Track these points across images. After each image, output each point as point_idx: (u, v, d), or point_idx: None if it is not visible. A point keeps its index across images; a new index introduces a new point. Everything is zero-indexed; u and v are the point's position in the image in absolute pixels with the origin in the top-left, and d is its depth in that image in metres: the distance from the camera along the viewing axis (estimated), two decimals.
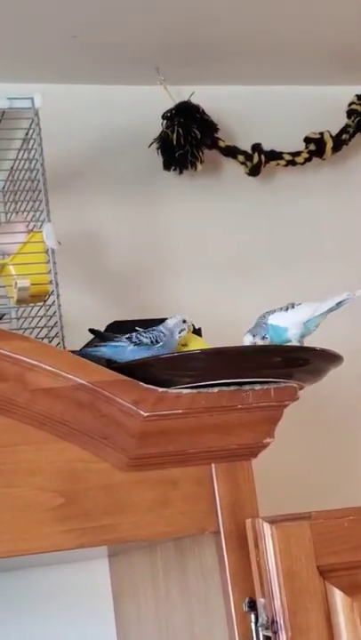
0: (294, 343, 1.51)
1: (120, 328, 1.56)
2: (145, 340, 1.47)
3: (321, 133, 2.09)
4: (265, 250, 2.09)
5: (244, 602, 1.37)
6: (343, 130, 2.11)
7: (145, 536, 1.42)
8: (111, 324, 1.63)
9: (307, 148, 2.09)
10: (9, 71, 1.91)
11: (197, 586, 1.49)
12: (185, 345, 1.54)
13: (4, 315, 1.65)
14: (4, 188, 1.79)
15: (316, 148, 2.09)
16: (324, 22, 1.94)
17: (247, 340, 1.51)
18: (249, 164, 2.05)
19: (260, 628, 1.35)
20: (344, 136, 2.11)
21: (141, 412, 1.38)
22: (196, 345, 1.54)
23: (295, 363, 1.46)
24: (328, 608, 1.38)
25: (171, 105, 2.00)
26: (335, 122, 2.12)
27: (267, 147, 2.06)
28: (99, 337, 1.52)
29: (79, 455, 1.40)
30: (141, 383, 1.39)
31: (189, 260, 2.03)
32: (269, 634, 1.35)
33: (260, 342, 1.50)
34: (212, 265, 2.05)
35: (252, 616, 1.36)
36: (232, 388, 1.42)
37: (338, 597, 1.39)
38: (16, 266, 1.59)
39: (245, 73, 2.09)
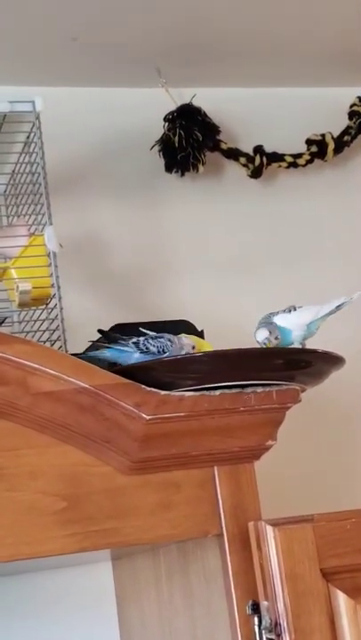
0: (297, 345, 1.51)
1: (123, 331, 1.55)
2: (152, 349, 1.47)
3: (323, 135, 2.09)
4: (267, 252, 2.09)
5: (248, 604, 1.37)
6: (345, 131, 2.11)
7: (148, 539, 1.41)
8: (113, 326, 1.63)
9: (308, 149, 2.09)
10: (10, 74, 1.92)
11: (200, 589, 1.49)
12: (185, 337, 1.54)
13: (5, 318, 1.65)
14: (5, 191, 1.79)
15: (318, 149, 2.09)
16: (326, 23, 1.94)
17: (261, 335, 1.49)
18: (251, 166, 2.05)
19: (263, 631, 1.35)
20: (346, 138, 2.11)
21: (144, 415, 1.38)
22: (199, 347, 1.53)
23: (297, 365, 1.45)
24: (331, 611, 1.38)
25: (172, 107, 2.00)
26: (337, 123, 2.11)
27: (268, 149, 2.06)
28: (106, 338, 1.52)
29: (81, 459, 1.40)
30: (143, 386, 1.39)
31: (191, 262, 2.03)
32: (273, 636, 1.35)
33: (274, 341, 1.50)
34: (215, 267, 2.05)
35: (256, 619, 1.36)
36: (234, 390, 1.42)
37: (341, 600, 1.38)
38: (18, 269, 1.59)
39: (247, 75, 2.09)
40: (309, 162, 2.09)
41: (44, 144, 1.65)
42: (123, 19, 1.81)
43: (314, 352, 1.46)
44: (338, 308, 1.52)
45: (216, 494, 1.43)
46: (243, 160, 2.05)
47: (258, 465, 1.47)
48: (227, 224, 2.08)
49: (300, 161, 2.08)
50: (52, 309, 1.62)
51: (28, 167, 1.68)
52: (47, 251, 1.60)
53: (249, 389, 1.42)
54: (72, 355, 1.48)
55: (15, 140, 1.69)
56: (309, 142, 2.09)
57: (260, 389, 1.43)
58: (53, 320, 1.62)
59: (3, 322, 1.64)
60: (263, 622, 1.35)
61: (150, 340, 1.48)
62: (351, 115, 2.13)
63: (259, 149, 2.05)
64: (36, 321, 1.67)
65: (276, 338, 1.50)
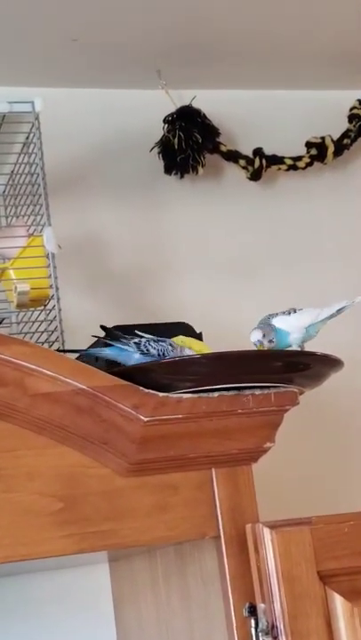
0: (295, 348, 1.51)
1: (122, 333, 1.55)
2: (152, 351, 1.47)
3: (322, 138, 2.09)
4: (266, 254, 2.09)
5: (245, 607, 1.37)
6: (345, 134, 2.11)
7: (145, 541, 1.41)
8: (112, 328, 1.62)
9: (308, 152, 2.09)
10: (9, 75, 1.92)
11: (198, 591, 1.48)
12: (188, 348, 1.54)
13: (3, 319, 1.64)
14: (4, 192, 1.79)
15: (318, 152, 2.09)
16: (326, 26, 1.94)
17: (255, 336, 1.50)
18: (250, 168, 2.05)
19: (260, 634, 1.35)
20: (345, 141, 2.11)
21: (142, 417, 1.38)
22: (198, 349, 1.53)
23: (296, 367, 1.45)
24: (328, 613, 1.38)
25: (172, 109, 2.00)
26: (337, 126, 2.11)
27: (268, 151, 2.06)
28: (109, 334, 1.51)
29: (79, 460, 1.39)
30: (141, 388, 1.38)
31: (191, 264, 2.03)
32: (270, 639, 1.34)
33: (266, 344, 1.50)
34: (214, 269, 2.05)
35: (253, 621, 1.36)
36: (232, 392, 1.41)
37: (338, 603, 1.38)
38: (16, 270, 1.59)
39: (247, 77, 2.09)
40: (309, 164, 2.09)
41: (44, 145, 1.64)
42: (123, 20, 1.81)
43: (312, 354, 1.46)
44: (339, 311, 1.52)
45: (214, 496, 1.43)
46: (242, 162, 2.05)
47: (256, 467, 1.47)
48: (226, 226, 2.08)
49: (300, 164, 2.08)
50: (51, 310, 1.62)
51: (28, 168, 1.68)
52: (46, 252, 1.59)
53: (247, 392, 1.42)
54: (72, 351, 1.48)
55: (14, 141, 1.69)
56: (309, 145, 2.09)
57: (258, 392, 1.43)
58: (52, 321, 1.62)
59: (1, 323, 1.64)
60: (260, 625, 1.35)
61: (152, 343, 1.48)
62: (351, 118, 2.13)
63: (258, 152, 2.05)
64: (34, 322, 1.67)
65: (271, 341, 1.50)
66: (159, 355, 1.47)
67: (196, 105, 2.00)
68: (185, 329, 1.64)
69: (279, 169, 2.08)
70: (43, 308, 1.63)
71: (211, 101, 2.03)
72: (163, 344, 1.48)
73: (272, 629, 1.35)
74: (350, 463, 2.03)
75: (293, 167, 2.08)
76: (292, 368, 1.45)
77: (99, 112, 2.03)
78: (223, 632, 1.40)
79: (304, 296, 1.84)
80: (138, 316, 1.84)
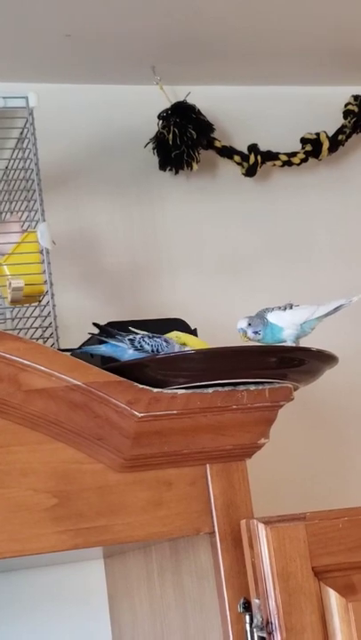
0: (289, 344, 1.51)
1: (115, 329, 1.55)
2: (147, 347, 1.47)
3: (317, 134, 2.09)
4: (261, 250, 2.09)
5: (239, 602, 1.37)
6: (339, 130, 2.11)
7: (140, 537, 1.41)
8: (106, 324, 1.62)
9: (303, 148, 2.09)
10: (3, 70, 1.91)
11: (192, 587, 1.48)
12: (183, 345, 1.54)
13: None
14: None
15: (313, 148, 2.09)
16: (321, 22, 1.94)
17: (241, 324, 1.50)
18: (245, 164, 2.05)
19: (254, 629, 1.35)
20: (340, 137, 2.11)
21: (136, 413, 1.38)
22: (193, 345, 1.53)
23: (290, 363, 1.45)
24: (323, 609, 1.37)
25: (167, 105, 1.99)
26: (331, 122, 2.11)
27: (263, 147, 2.06)
28: (103, 331, 1.51)
29: (73, 456, 1.39)
30: (136, 384, 1.38)
31: (185, 260, 2.03)
32: (264, 635, 1.34)
33: (251, 334, 1.50)
34: (208, 265, 2.05)
35: (247, 617, 1.36)
36: (227, 388, 1.41)
37: (333, 598, 1.38)
38: (10, 266, 1.58)
39: (242, 73, 2.09)
40: (304, 160, 2.09)
41: (38, 140, 1.64)
42: (117, 15, 1.81)
43: (307, 350, 1.46)
44: (336, 309, 1.52)
45: (208, 492, 1.43)
46: (237, 158, 2.05)
47: (250, 463, 1.47)
48: (221, 222, 2.08)
49: (295, 160, 2.08)
50: (45, 306, 1.61)
51: (22, 163, 1.68)
52: (40, 247, 1.59)
53: (242, 387, 1.42)
54: (66, 350, 1.48)
55: (8, 136, 1.69)
56: (304, 141, 2.09)
57: (252, 387, 1.42)
58: (46, 317, 1.61)
59: None
60: (255, 620, 1.35)
61: (146, 339, 1.48)
62: (346, 114, 2.13)
63: (253, 148, 2.05)
64: (28, 318, 1.66)
65: (257, 332, 1.50)
66: (153, 351, 1.46)
67: (190, 101, 2.00)
68: (180, 325, 1.64)
69: (274, 165, 2.07)
70: (37, 303, 1.63)
71: (205, 97, 2.03)
72: (157, 340, 1.48)
73: (267, 625, 1.35)
74: (345, 459, 2.03)
75: (288, 163, 2.08)
76: (287, 364, 1.45)
77: (93, 108, 2.03)
78: (218, 628, 1.40)
79: (299, 291, 1.84)
80: (133, 312, 1.84)
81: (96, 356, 1.51)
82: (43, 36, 1.85)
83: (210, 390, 1.41)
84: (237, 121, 2.11)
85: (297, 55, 2.05)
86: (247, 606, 1.37)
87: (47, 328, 1.61)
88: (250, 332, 1.50)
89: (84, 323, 1.57)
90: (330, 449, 2.02)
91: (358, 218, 2.17)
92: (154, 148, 2.00)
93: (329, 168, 2.16)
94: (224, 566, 1.40)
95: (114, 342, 1.49)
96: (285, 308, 1.53)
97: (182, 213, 2.06)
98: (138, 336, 1.49)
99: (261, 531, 1.38)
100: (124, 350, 1.48)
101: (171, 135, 1.97)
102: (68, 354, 1.46)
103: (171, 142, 1.97)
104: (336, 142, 2.11)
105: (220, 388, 1.41)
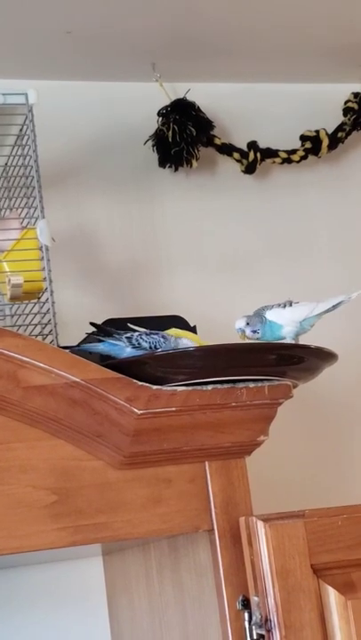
0: (289, 341, 1.51)
1: (114, 326, 1.55)
2: (144, 345, 1.47)
3: (317, 131, 2.09)
4: (260, 247, 2.09)
5: (238, 600, 1.37)
6: (339, 128, 2.11)
7: (138, 534, 1.41)
8: (105, 321, 1.62)
9: (303, 145, 2.09)
10: (3, 67, 1.91)
11: (191, 584, 1.48)
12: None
13: None
14: None
15: (312, 145, 2.09)
16: (321, 19, 1.94)
17: (239, 324, 1.50)
18: (245, 161, 2.04)
19: (253, 627, 1.35)
20: (340, 134, 2.11)
21: (135, 410, 1.38)
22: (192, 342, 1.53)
23: (290, 360, 1.45)
24: (322, 606, 1.38)
25: (166, 102, 1.99)
26: (331, 120, 2.11)
27: (262, 144, 2.06)
28: (100, 331, 1.51)
29: (72, 453, 1.39)
30: (135, 381, 1.38)
31: (184, 257, 2.03)
32: (263, 632, 1.35)
33: (249, 334, 1.50)
34: (208, 262, 2.05)
35: (246, 614, 1.36)
36: (226, 385, 1.41)
37: (332, 596, 1.38)
38: (9, 262, 1.58)
39: (242, 70, 2.09)
40: (304, 158, 2.09)
41: (38, 137, 1.64)
42: (117, 12, 1.81)
43: (306, 348, 1.46)
44: (335, 306, 1.52)
45: (207, 489, 1.43)
46: (237, 155, 2.05)
47: (250, 461, 1.46)
48: (220, 219, 2.08)
49: (295, 157, 2.08)
50: (44, 303, 1.61)
51: (21, 160, 1.67)
52: (39, 244, 1.59)
53: (241, 385, 1.42)
54: (65, 347, 1.48)
55: (8, 133, 1.68)
56: (304, 138, 2.09)
57: (252, 385, 1.42)
58: (45, 314, 1.61)
59: None
60: (253, 618, 1.35)
61: (143, 336, 1.48)
62: (346, 111, 2.12)
63: (253, 145, 2.05)
64: (27, 315, 1.66)
65: (255, 331, 1.50)
66: (151, 348, 1.46)
67: (190, 98, 2.00)
68: (178, 322, 1.64)
69: (274, 162, 2.07)
70: (36, 300, 1.63)
71: (205, 94, 2.03)
72: (155, 337, 1.48)
73: (265, 622, 1.35)
74: (344, 457, 2.03)
75: (288, 160, 2.07)
76: (286, 361, 1.45)
77: (93, 105, 2.03)
78: (217, 625, 1.40)
79: (298, 289, 1.83)
80: (132, 310, 1.84)
81: (94, 354, 1.51)
82: (43, 33, 1.85)
83: (209, 387, 1.41)
84: (237, 118, 2.11)
85: (297, 52, 2.05)
86: (246, 604, 1.37)
87: (46, 325, 1.61)
88: (248, 332, 1.50)
89: (83, 320, 1.57)
90: (329, 446, 2.02)
91: (358, 215, 2.17)
92: (153, 145, 2.00)
93: (329, 165, 2.16)
94: (223, 564, 1.40)
95: (111, 341, 1.48)
96: (285, 306, 1.52)
97: (182, 210, 2.05)
98: (135, 333, 1.49)
99: (260, 528, 1.38)
100: (121, 348, 1.48)
101: (170, 132, 1.97)
102: (67, 351, 1.46)
103: (170, 139, 1.97)
104: (336, 140, 2.11)
105: (219, 386, 1.41)
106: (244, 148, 2.04)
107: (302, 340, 1.52)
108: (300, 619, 1.35)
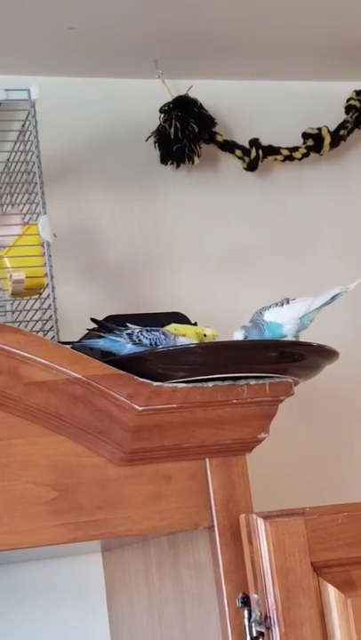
0: (290, 338, 1.51)
1: (115, 322, 1.55)
2: (145, 341, 1.47)
3: (319, 129, 2.09)
4: (262, 244, 2.09)
5: (238, 597, 1.37)
6: (341, 125, 2.11)
7: (138, 531, 1.41)
8: (106, 318, 1.62)
9: (305, 143, 2.09)
10: (6, 63, 1.91)
11: (191, 581, 1.48)
12: (182, 336, 1.53)
13: None
14: None
15: (314, 143, 2.09)
16: (323, 17, 1.93)
17: (237, 336, 1.50)
18: (246, 158, 2.04)
19: (253, 624, 1.35)
20: (342, 132, 2.11)
21: (136, 407, 1.38)
22: (192, 334, 1.53)
23: (291, 358, 1.45)
24: (322, 604, 1.38)
25: (168, 99, 1.99)
26: (333, 117, 2.11)
27: (264, 142, 2.05)
28: (101, 327, 1.51)
29: (73, 449, 1.39)
30: (136, 377, 1.38)
31: (186, 254, 2.03)
32: (262, 629, 1.34)
33: None
34: (209, 259, 2.05)
35: (246, 611, 1.36)
36: (227, 382, 1.41)
37: (332, 594, 1.38)
38: (11, 258, 1.58)
39: (244, 67, 2.08)
40: (305, 155, 2.09)
41: (40, 133, 1.64)
42: (120, 9, 1.81)
43: (308, 345, 1.46)
44: (333, 298, 1.50)
45: (207, 486, 1.43)
46: (238, 153, 2.04)
47: (250, 458, 1.46)
48: (222, 216, 2.08)
49: (296, 154, 2.08)
50: (45, 299, 1.61)
51: (23, 156, 1.68)
52: (41, 240, 1.59)
53: (242, 382, 1.42)
54: (66, 343, 1.48)
55: (10, 129, 1.68)
56: (306, 136, 2.09)
57: (253, 382, 1.42)
58: (46, 310, 1.61)
59: None
60: (253, 615, 1.35)
61: (144, 333, 1.48)
62: (348, 109, 2.12)
63: (255, 142, 2.04)
64: (29, 310, 1.66)
65: None
66: (151, 344, 1.46)
67: (192, 95, 2.00)
68: (180, 319, 1.64)
69: (275, 159, 2.07)
70: (37, 296, 1.63)
71: (207, 91, 2.02)
72: (155, 333, 1.48)
73: (265, 620, 1.35)
74: (344, 454, 2.03)
75: (290, 158, 2.07)
76: (287, 358, 1.45)
77: (95, 101, 2.03)
78: (216, 622, 1.40)
79: (300, 286, 1.84)
80: (133, 306, 1.84)
81: (95, 350, 1.51)
82: (46, 29, 1.84)
83: (210, 384, 1.41)
84: (239, 115, 2.11)
85: (299, 50, 2.05)
86: (246, 601, 1.37)
87: (47, 321, 1.61)
88: None
89: (84, 316, 1.57)
90: (330, 444, 2.02)
91: (360, 212, 2.17)
92: (155, 142, 2.00)
93: (331, 163, 2.16)
94: (223, 561, 1.40)
95: (112, 337, 1.48)
96: (282, 304, 1.52)
97: (183, 207, 2.05)
98: (136, 330, 1.49)
99: (261, 525, 1.38)
100: (122, 345, 1.48)
101: (172, 129, 1.97)
102: (68, 347, 1.46)
103: (172, 136, 1.97)
104: (338, 137, 2.10)
105: (220, 383, 1.41)
106: (247, 146, 2.04)
107: (303, 338, 1.51)
108: (299, 616, 1.35)
